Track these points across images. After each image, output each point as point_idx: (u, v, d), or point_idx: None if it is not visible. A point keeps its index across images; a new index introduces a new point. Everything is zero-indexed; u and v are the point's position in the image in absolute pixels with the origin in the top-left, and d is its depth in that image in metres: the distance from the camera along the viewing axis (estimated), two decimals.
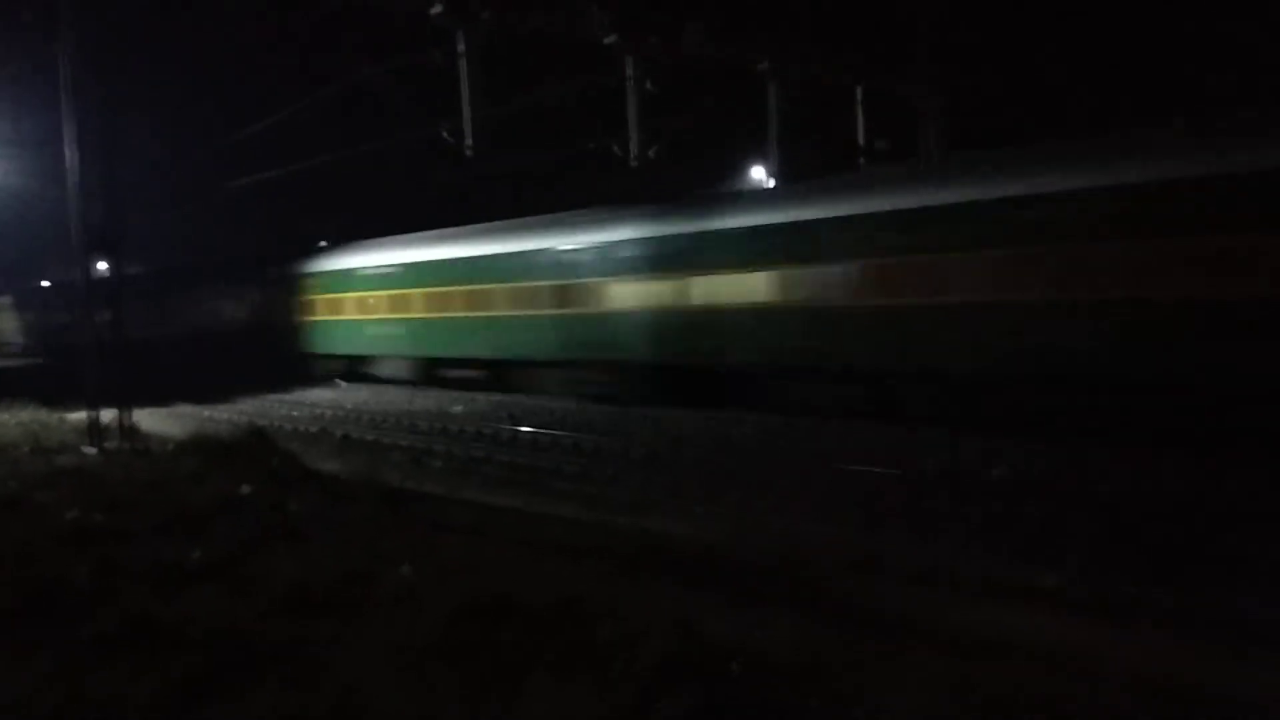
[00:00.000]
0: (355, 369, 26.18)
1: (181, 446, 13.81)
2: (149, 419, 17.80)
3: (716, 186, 25.85)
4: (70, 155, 14.52)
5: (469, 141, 22.68)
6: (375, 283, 24.50)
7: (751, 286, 15.73)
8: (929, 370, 13.63)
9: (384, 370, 24.83)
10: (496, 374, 21.33)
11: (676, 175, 23.69)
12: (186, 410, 21.33)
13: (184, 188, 42.14)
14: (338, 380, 26.46)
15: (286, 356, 28.32)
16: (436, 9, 21.05)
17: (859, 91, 27.89)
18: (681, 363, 17.18)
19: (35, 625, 6.27)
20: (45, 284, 54.09)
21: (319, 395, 23.56)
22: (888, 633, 5.59)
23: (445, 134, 22.87)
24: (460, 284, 21.70)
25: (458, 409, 19.46)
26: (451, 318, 21.99)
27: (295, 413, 20.39)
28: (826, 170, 22.60)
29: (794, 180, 24.32)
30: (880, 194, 14.50)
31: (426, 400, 21.35)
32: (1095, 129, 16.03)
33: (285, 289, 29.13)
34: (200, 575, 7.26)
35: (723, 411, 16.09)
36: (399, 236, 25.25)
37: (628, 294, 17.90)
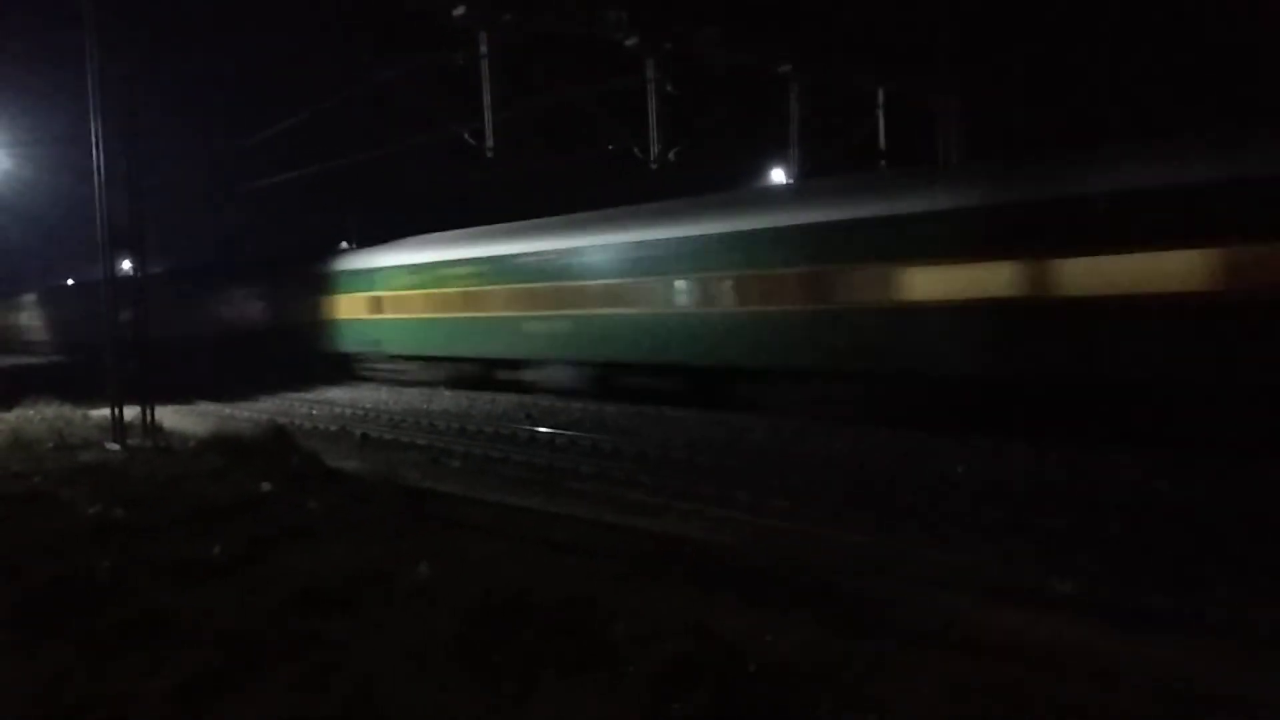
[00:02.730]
0: (479, 374, 22.62)
1: (203, 444, 13.95)
2: (171, 416, 17.99)
3: (739, 187, 25.83)
4: (95, 153, 14.69)
5: (490, 143, 22.73)
6: (524, 275, 20.59)
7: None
8: None
9: (535, 376, 20.96)
10: (703, 384, 17.38)
11: (698, 177, 23.68)
12: (208, 408, 21.52)
13: (207, 187, 42.50)
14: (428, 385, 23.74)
15: (319, 356, 27.52)
16: (459, 10, 21.10)
17: (880, 94, 27.77)
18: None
19: (57, 617, 6.35)
20: (69, 282, 54.70)
21: (338, 394, 23.70)
22: (900, 635, 5.58)
23: (467, 135, 22.93)
24: (663, 273, 17.69)
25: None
26: (646, 315, 17.90)
27: (315, 411, 20.53)
28: (849, 171, 22.48)
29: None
30: None
31: (445, 401, 21.43)
32: (1116, 133, 15.89)
33: (319, 286, 27.73)
34: (219, 571, 7.34)
35: (736, 414, 16.07)
36: (545, 220, 21.82)
37: (935, 284, 13.63)
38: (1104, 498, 9.22)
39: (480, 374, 22.59)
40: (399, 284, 24.62)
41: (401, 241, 25.86)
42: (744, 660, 5.05)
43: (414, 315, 24.07)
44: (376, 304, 25.47)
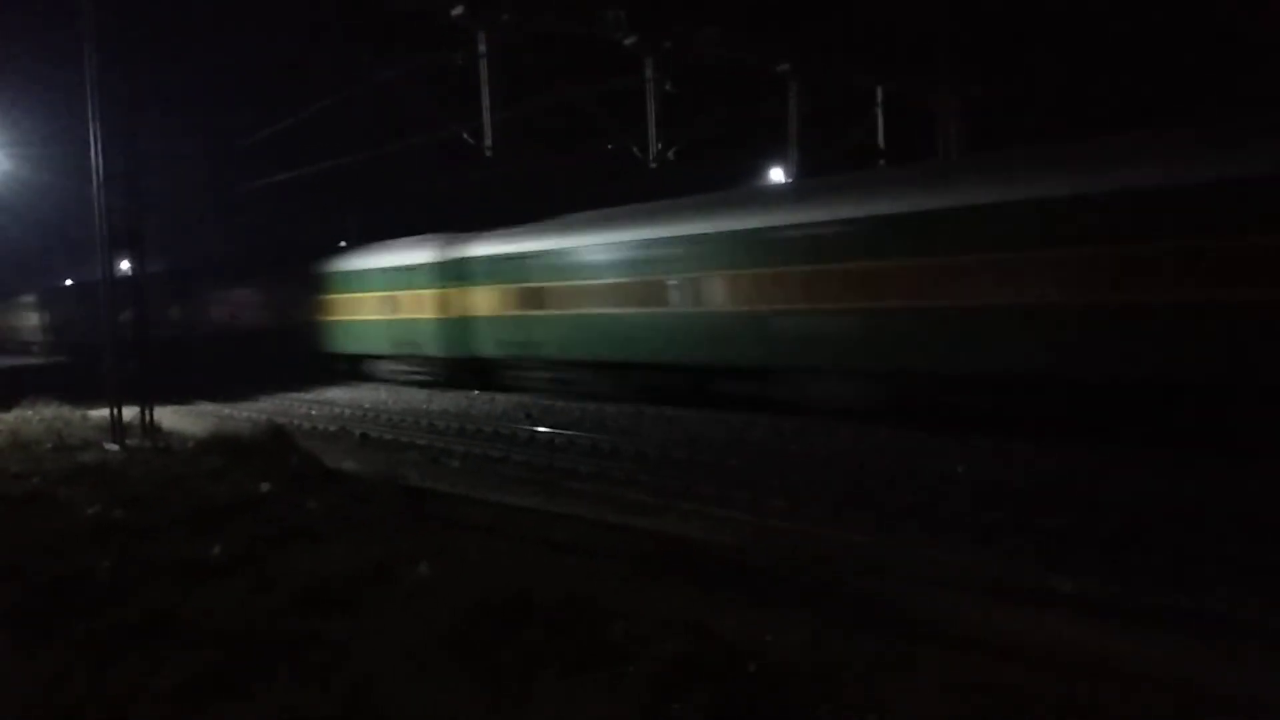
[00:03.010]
0: (687, 385, 17.45)
1: (202, 444, 13.94)
2: (170, 416, 17.98)
3: (737, 186, 25.87)
4: (94, 153, 14.69)
5: (489, 142, 22.74)
6: (789, 254, 15.28)
7: None
8: None
9: (787, 388, 15.81)
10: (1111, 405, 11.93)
11: (698, 176, 23.68)
12: (207, 408, 21.51)
13: (207, 187, 42.57)
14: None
15: (422, 360, 23.98)
16: (457, 10, 21.12)
17: (879, 93, 27.80)
18: None
19: (57, 618, 6.35)
20: (68, 283, 54.71)
21: (338, 394, 23.69)
22: (901, 634, 5.58)
23: (466, 135, 22.94)
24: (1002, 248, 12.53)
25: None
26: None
27: (314, 411, 20.53)
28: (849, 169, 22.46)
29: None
30: None
31: (444, 400, 21.42)
32: (1116, 129, 15.81)
33: (421, 279, 23.66)
34: (219, 571, 7.34)
35: (736, 414, 16.06)
36: (810, 183, 18.01)
37: None
38: (1104, 498, 9.22)
39: (689, 385, 17.50)
40: (573, 272, 19.36)
41: (570, 219, 20.85)
42: (744, 660, 5.05)
43: (594, 311, 18.90)
44: (532, 297, 20.52)
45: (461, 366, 22.81)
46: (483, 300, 21.99)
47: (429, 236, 24.35)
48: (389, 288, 24.87)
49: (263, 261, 34.48)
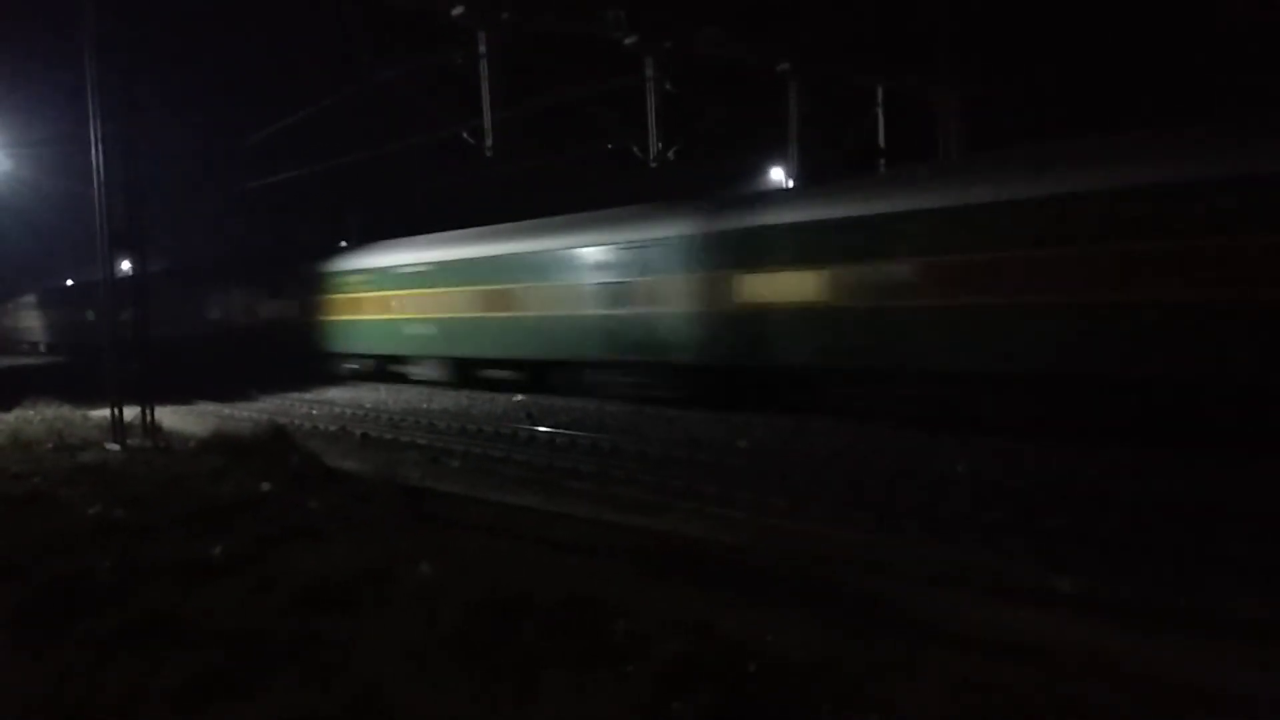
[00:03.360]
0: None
1: (203, 444, 13.95)
2: (171, 416, 17.98)
3: (737, 187, 25.87)
4: (95, 154, 14.70)
5: (489, 142, 22.74)
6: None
7: None
8: None
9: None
10: None
11: (698, 175, 23.68)
12: (208, 408, 21.51)
13: (206, 187, 42.57)
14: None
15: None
16: (458, 10, 21.12)
17: (879, 92, 27.80)
18: None
19: (58, 619, 6.35)
20: (69, 283, 54.74)
21: (338, 394, 23.70)
22: (903, 634, 5.59)
23: (466, 135, 22.94)
24: None
25: None
26: None
27: (315, 411, 20.53)
28: (847, 170, 22.45)
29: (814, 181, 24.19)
30: None
31: (444, 400, 21.41)
32: (1117, 127, 15.78)
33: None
34: (221, 571, 7.34)
35: (736, 414, 16.05)
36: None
37: None
38: (1104, 497, 9.22)
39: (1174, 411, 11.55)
40: (1006, 240, 12.93)
41: (964, 164, 15.39)
42: (745, 660, 5.05)
43: (1023, 299, 12.77)
44: (908, 281, 14.06)
45: (743, 378, 17.01)
46: (795, 287, 15.69)
47: (673, 204, 18.99)
48: (607, 274, 18.97)
49: (274, 259, 33.60)
